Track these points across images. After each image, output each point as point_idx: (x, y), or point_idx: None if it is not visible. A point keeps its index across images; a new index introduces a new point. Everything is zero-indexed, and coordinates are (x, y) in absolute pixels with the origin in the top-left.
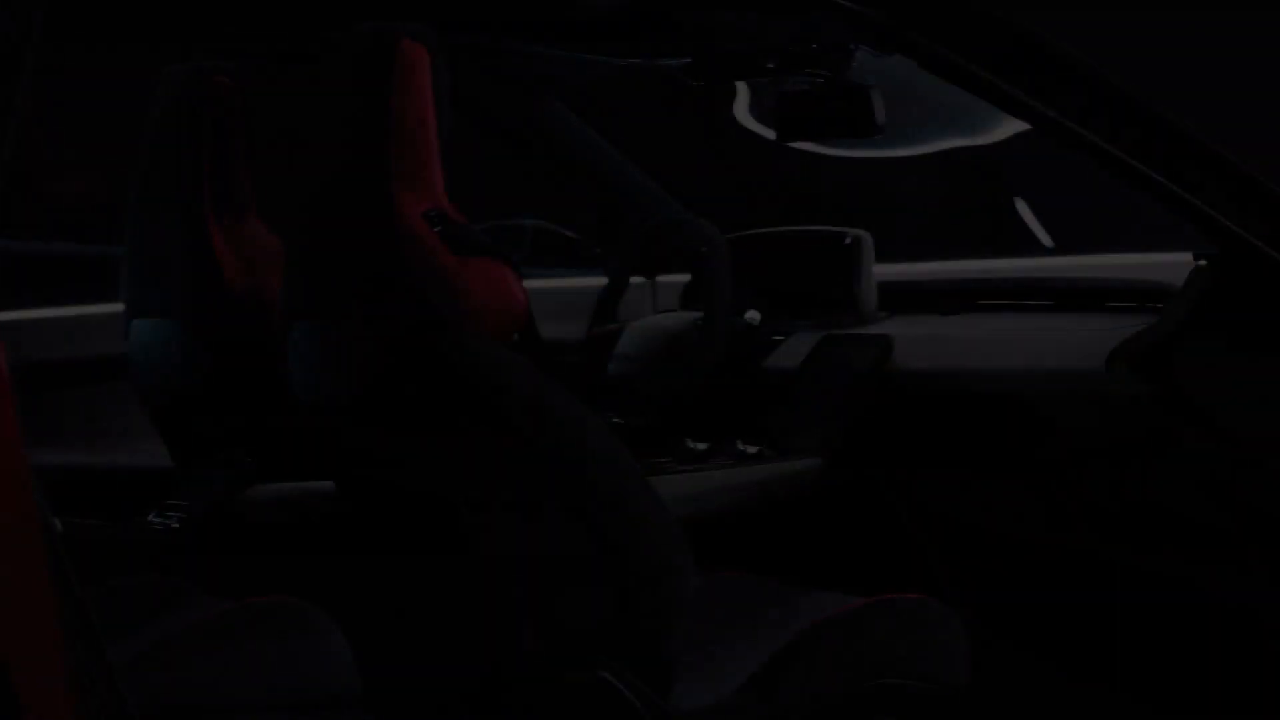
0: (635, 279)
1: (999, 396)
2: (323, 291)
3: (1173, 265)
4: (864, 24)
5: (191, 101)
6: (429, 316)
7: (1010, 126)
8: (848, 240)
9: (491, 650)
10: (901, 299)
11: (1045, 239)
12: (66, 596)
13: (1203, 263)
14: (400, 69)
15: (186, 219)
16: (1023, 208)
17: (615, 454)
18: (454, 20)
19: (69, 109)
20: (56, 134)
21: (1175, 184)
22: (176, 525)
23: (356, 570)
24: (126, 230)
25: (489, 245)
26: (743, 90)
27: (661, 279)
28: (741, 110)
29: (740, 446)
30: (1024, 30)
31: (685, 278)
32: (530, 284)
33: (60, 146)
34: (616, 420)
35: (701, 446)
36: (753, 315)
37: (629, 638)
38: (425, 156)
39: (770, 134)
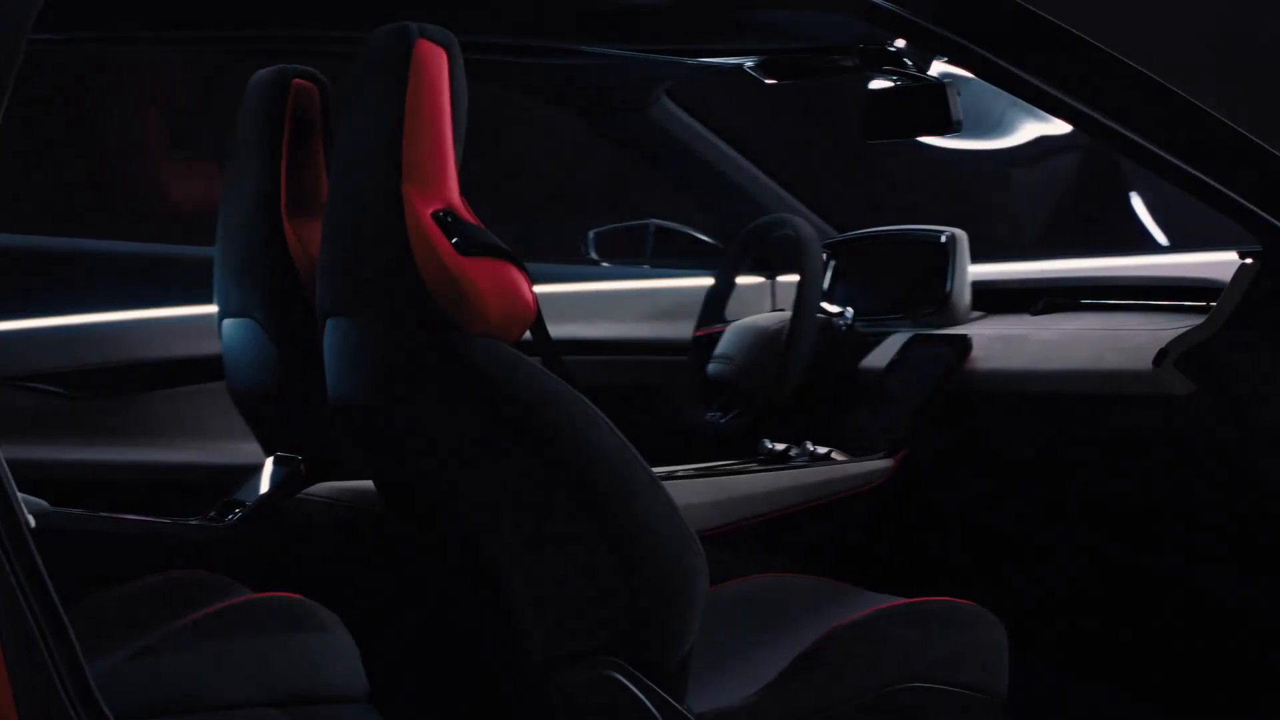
0: (751, 279)
1: (1053, 397)
2: (345, 289)
3: None
4: (900, 24)
5: (272, 104)
6: (437, 316)
7: None
8: (943, 239)
9: (500, 650)
10: (996, 299)
11: (1160, 237)
12: (28, 594)
13: (1248, 260)
14: (416, 70)
15: (264, 220)
16: (1138, 204)
17: (624, 454)
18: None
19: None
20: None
21: (1219, 180)
22: (232, 521)
23: (380, 569)
24: (217, 232)
25: (497, 246)
26: None
27: (782, 279)
28: None
29: (810, 447)
30: (1057, 26)
31: None
32: (652, 283)
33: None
34: (722, 419)
35: (779, 447)
36: (848, 314)
37: (639, 638)
38: (439, 157)
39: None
